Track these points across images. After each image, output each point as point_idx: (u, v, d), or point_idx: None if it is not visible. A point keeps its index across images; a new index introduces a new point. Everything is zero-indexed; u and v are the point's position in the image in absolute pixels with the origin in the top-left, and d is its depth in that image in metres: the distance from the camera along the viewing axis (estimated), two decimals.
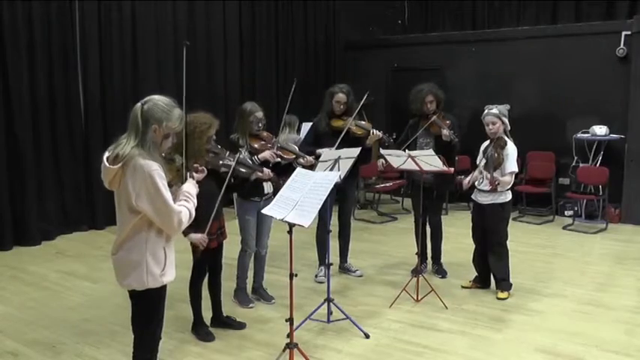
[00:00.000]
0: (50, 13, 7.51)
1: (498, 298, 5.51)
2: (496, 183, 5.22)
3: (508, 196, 5.44)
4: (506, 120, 5.39)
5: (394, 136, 6.14)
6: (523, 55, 9.52)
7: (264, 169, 4.90)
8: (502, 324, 4.99)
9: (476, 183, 5.53)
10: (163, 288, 3.21)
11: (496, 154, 5.28)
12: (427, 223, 6.21)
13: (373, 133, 5.80)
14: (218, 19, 9.45)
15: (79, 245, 7.54)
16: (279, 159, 5.19)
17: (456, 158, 6.13)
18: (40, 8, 7.37)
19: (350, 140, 5.72)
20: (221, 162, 4.53)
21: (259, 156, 5.06)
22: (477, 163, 5.58)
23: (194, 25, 9.12)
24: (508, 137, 5.42)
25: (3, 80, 7.12)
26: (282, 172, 5.10)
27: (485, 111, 5.42)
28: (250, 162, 4.90)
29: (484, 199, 5.46)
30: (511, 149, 5.34)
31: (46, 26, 7.49)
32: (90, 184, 8.00)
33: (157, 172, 2.96)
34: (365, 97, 5.84)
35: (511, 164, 5.32)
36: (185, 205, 3.14)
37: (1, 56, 7.08)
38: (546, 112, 9.30)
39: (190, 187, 3.27)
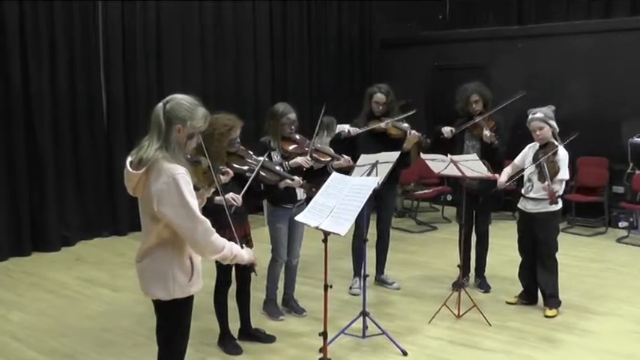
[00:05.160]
0: (72, 14, 7.67)
1: (546, 316, 5.44)
2: (557, 196, 5.15)
3: (559, 204, 5.37)
4: (553, 122, 5.33)
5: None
6: (573, 52, 9.40)
7: (295, 177, 4.82)
8: (550, 344, 4.93)
9: (523, 190, 5.47)
10: (190, 298, 3.24)
11: (551, 162, 5.21)
12: (472, 233, 6.16)
13: (410, 134, 5.78)
14: (248, 16, 9.53)
15: (100, 252, 7.65)
16: (312, 163, 5.19)
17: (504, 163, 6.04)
18: (61, 8, 7.54)
19: (388, 142, 5.72)
20: (247, 167, 4.54)
21: (290, 162, 5.06)
22: (515, 162, 5.57)
23: (221, 22, 9.22)
24: (557, 141, 5.36)
25: (23, 81, 7.28)
26: (316, 176, 5.09)
27: (530, 116, 5.36)
28: (279, 168, 4.89)
29: (533, 208, 5.39)
30: (562, 155, 5.27)
31: (68, 27, 7.66)
32: (112, 188, 8.13)
33: (183, 176, 2.97)
34: (411, 112, 5.91)
35: (562, 172, 5.24)
36: (224, 241, 3.10)
37: (22, 57, 7.25)
38: (599, 113, 9.15)
39: (243, 253, 3.21)
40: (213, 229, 3.05)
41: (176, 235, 3.05)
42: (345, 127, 5.83)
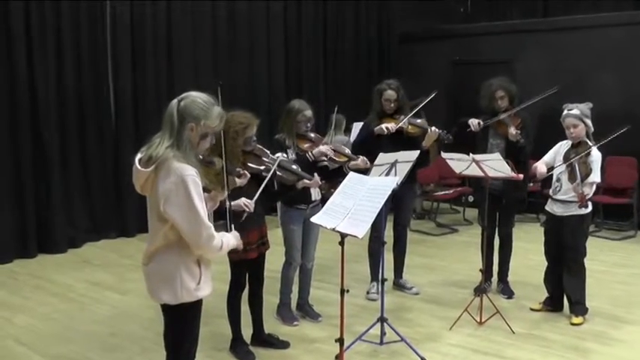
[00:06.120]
0: (80, 14, 7.73)
1: (572, 324, 5.38)
2: (587, 199, 5.08)
3: (589, 208, 5.29)
4: (589, 121, 5.25)
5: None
6: (602, 46, 9.32)
7: (314, 175, 4.74)
8: (577, 353, 4.87)
9: (551, 192, 5.41)
10: (199, 303, 3.23)
11: (583, 164, 5.13)
12: (495, 236, 6.10)
13: (431, 131, 5.72)
14: (261, 13, 9.55)
15: (107, 254, 7.68)
16: (326, 162, 5.16)
17: (529, 162, 5.96)
18: (69, 8, 7.60)
19: (405, 141, 5.66)
20: (263, 166, 4.51)
21: (314, 151, 5.03)
22: (546, 159, 5.49)
23: (235, 20, 9.24)
24: (591, 141, 5.28)
25: (29, 80, 7.33)
26: (331, 177, 5.06)
27: (565, 112, 5.28)
28: (296, 167, 4.83)
29: (562, 211, 5.32)
30: (595, 156, 5.19)
31: (75, 27, 7.72)
32: (120, 188, 8.17)
33: (192, 177, 2.97)
34: (431, 96, 5.81)
35: (594, 174, 5.15)
36: (221, 239, 3.12)
37: (29, 56, 7.30)
38: (628, 110, 9.01)
39: (231, 239, 3.25)
40: (216, 234, 3.07)
41: (183, 238, 3.05)
42: (382, 126, 5.74)
